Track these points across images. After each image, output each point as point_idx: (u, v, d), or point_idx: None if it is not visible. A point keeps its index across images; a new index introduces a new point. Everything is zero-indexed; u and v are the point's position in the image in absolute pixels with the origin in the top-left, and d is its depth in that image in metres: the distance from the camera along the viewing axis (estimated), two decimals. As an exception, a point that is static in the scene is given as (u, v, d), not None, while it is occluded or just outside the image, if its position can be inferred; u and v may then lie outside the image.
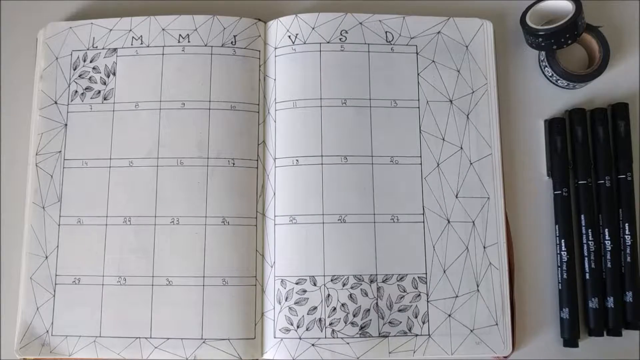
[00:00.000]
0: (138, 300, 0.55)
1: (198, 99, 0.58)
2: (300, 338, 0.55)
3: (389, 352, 0.55)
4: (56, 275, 0.56)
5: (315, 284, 0.55)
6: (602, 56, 0.60)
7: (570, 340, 0.57)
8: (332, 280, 0.55)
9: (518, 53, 0.63)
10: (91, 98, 0.59)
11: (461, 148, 0.58)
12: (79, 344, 0.55)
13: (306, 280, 0.55)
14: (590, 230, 0.58)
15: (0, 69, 0.63)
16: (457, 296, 0.56)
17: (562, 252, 0.58)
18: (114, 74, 0.59)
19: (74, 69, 0.60)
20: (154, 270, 0.56)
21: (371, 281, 0.55)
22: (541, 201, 0.60)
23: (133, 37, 0.60)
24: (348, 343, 0.55)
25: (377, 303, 0.55)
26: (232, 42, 0.59)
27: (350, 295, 0.55)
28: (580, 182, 0.59)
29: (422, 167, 0.57)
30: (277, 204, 0.57)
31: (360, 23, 0.59)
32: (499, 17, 0.63)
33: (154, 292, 0.55)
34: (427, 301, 0.56)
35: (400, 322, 0.55)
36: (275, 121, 0.58)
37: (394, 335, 0.55)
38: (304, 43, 0.59)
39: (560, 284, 0.58)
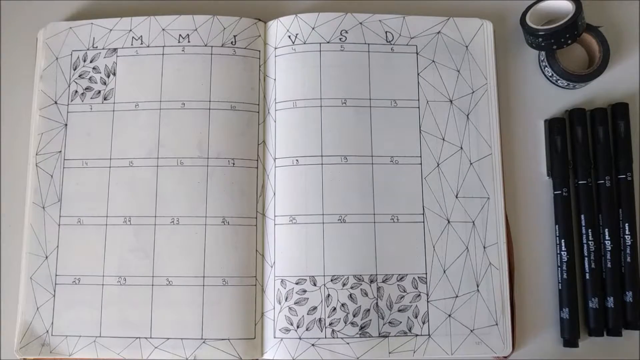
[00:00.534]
0: (138, 300, 0.55)
1: (198, 99, 0.58)
2: (300, 338, 0.55)
3: (389, 352, 0.55)
4: (56, 275, 0.56)
5: (315, 284, 0.55)
6: (602, 56, 0.60)
7: (570, 340, 0.57)
8: (332, 280, 0.55)
9: (518, 53, 0.63)
10: (91, 98, 0.59)
11: (461, 148, 0.58)
12: (79, 344, 0.55)
13: (306, 280, 0.55)
14: (590, 230, 0.58)
15: (0, 69, 0.63)
16: (457, 296, 0.56)
17: (562, 252, 0.58)
18: (114, 74, 0.59)
19: (74, 69, 0.60)
20: (154, 270, 0.56)
21: (371, 281, 0.55)
22: (541, 201, 0.60)
23: (133, 37, 0.60)
24: (348, 343, 0.55)
25: (377, 303, 0.55)
26: (232, 42, 0.59)
27: (350, 295, 0.55)
28: (580, 182, 0.59)
29: (422, 167, 0.57)
30: (277, 204, 0.57)
31: (360, 23, 0.59)
32: (499, 17, 0.63)
33: (154, 292, 0.55)
34: (427, 301, 0.56)
35: (400, 322, 0.55)
36: (275, 121, 0.58)
37: (394, 336, 0.55)
38: (304, 43, 0.59)
39: (560, 284, 0.58)
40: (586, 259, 0.58)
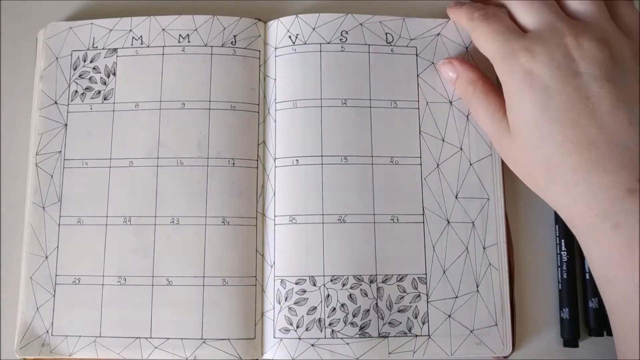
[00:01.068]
0: (138, 300, 0.55)
1: (198, 99, 0.58)
2: (299, 338, 0.55)
3: (389, 353, 0.55)
4: (56, 275, 0.56)
5: (315, 284, 0.55)
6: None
7: (570, 340, 0.57)
8: (331, 280, 0.55)
9: (518, 53, 0.63)
10: (91, 98, 0.59)
11: (461, 149, 0.58)
12: (79, 344, 0.55)
13: (306, 280, 0.55)
14: (590, 230, 0.58)
15: (0, 69, 0.63)
16: (456, 297, 0.56)
17: (562, 252, 0.58)
18: (114, 74, 0.59)
19: (74, 69, 0.60)
20: (154, 270, 0.56)
21: (371, 281, 0.56)
22: (541, 201, 0.59)
23: (133, 37, 0.60)
24: (348, 343, 0.55)
25: (376, 303, 0.55)
26: (232, 42, 0.59)
27: (350, 295, 0.55)
28: (580, 183, 0.59)
29: (421, 167, 0.57)
30: (277, 204, 0.57)
31: (361, 24, 0.59)
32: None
33: (154, 292, 0.55)
34: (427, 302, 0.56)
35: (400, 322, 0.55)
36: (275, 121, 0.58)
37: (394, 336, 0.55)
38: (305, 43, 0.59)
39: (560, 284, 0.58)
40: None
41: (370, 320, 0.55)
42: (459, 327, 0.55)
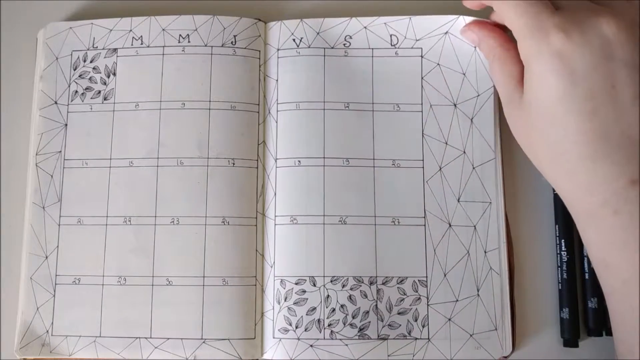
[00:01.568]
0: (138, 300, 0.56)
1: (198, 99, 0.58)
2: (298, 339, 0.55)
3: (388, 355, 0.55)
4: (56, 275, 0.56)
5: (314, 285, 0.55)
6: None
7: (570, 340, 0.57)
8: (331, 281, 0.55)
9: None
10: (91, 98, 0.59)
11: (464, 152, 0.58)
12: (79, 344, 0.55)
13: (306, 280, 0.56)
14: (590, 231, 0.58)
15: (0, 69, 0.62)
16: (457, 300, 0.56)
17: (562, 252, 0.57)
18: (114, 74, 0.59)
19: (74, 69, 0.59)
20: (154, 270, 0.56)
21: (371, 283, 0.56)
22: (541, 201, 0.60)
23: (133, 37, 0.59)
24: (347, 345, 0.55)
25: (376, 305, 0.55)
26: (232, 42, 0.59)
27: (350, 296, 0.55)
28: (581, 183, 0.59)
29: (424, 170, 0.57)
30: (277, 204, 0.57)
31: (365, 27, 0.59)
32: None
33: (154, 292, 0.56)
34: (427, 305, 0.56)
35: (400, 325, 0.55)
36: (276, 121, 0.58)
37: (393, 338, 0.55)
38: (309, 47, 0.59)
39: (560, 284, 0.57)
40: (586, 258, 0.57)
41: (369, 322, 0.55)
42: (459, 331, 0.55)
